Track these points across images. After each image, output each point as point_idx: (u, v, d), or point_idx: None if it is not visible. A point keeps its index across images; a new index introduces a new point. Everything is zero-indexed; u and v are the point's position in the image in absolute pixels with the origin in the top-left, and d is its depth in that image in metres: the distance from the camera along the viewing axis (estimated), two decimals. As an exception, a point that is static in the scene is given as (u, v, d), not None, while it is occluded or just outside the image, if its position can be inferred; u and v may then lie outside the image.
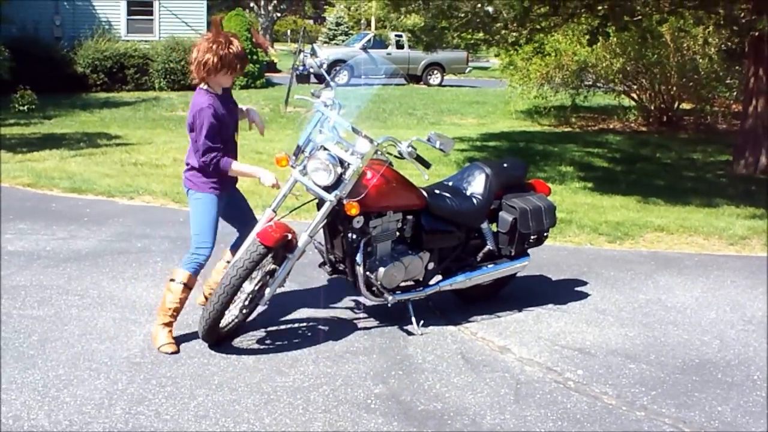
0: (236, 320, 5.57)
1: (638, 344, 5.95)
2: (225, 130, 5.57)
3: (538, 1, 12.60)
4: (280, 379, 5.10)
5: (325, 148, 5.50)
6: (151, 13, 29.63)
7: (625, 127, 21.04)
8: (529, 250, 6.59)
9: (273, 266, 5.50)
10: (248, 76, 26.16)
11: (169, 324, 5.55)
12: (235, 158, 5.66)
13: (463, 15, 13.81)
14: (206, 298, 6.00)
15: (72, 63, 24.51)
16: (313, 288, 6.86)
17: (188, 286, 5.56)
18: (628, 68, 20.14)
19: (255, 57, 26.20)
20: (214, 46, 5.47)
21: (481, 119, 22.25)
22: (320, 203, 5.62)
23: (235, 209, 5.88)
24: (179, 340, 5.57)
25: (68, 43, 25.58)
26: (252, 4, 48.44)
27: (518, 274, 6.77)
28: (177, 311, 5.56)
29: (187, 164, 5.65)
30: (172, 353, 5.41)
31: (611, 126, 21.36)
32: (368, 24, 60.07)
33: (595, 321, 6.40)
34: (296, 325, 6.06)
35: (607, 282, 7.37)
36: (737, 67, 18.90)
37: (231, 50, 5.49)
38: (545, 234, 6.52)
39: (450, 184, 6.41)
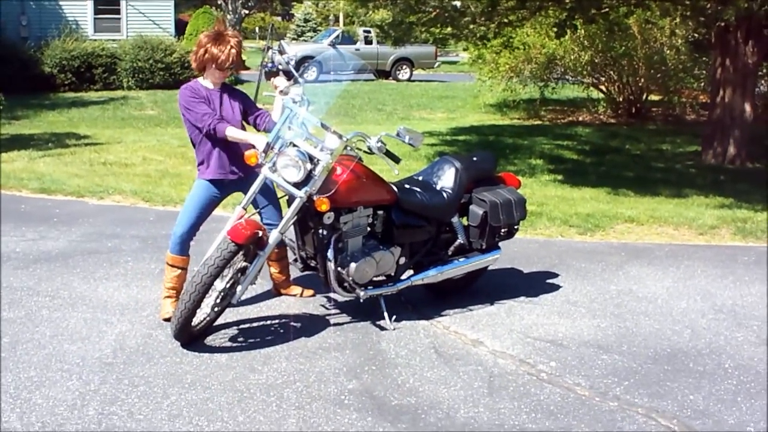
0: (208, 318, 5.54)
1: (610, 335, 5.98)
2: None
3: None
4: (253, 376, 5.08)
5: (295, 145, 5.49)
6: (118, 12, 29.51)
7: (594, 119, 21.13)
8: (500, 243, 6.60)
9: (244, 264, 5.48)
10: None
11: (170, 296, 5.96)
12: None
13: (430, 9, 13.83)
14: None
15: (39, 63, 24.23)
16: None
17: (173, 266, 5.95)
18: (597, 60, 20.23)
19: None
20: (202, 42, 5.84)
21: (450, 113, 22.27)
22: (290, 200, 5.61)
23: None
24: (150, 340, 5.56)
25: (35, 43, 25.34)
26: (220, 2, 48.09)
27: (490, 268, 6.79)
28: (174, 288, 5.95)
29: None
30: (166, 320, 5.77)
31: (580, 118, 21.44)
32: (336, 20, 59.96)
33: (566, 313, 6.42)
34: (268, 322, 6.04)
35: (578, 274, 7.40)
36: (704, 58, 19.01)
37: (203, 51, 5.80)
38: (516, 227, 6.54)
39: (420, 178, 6.41)
